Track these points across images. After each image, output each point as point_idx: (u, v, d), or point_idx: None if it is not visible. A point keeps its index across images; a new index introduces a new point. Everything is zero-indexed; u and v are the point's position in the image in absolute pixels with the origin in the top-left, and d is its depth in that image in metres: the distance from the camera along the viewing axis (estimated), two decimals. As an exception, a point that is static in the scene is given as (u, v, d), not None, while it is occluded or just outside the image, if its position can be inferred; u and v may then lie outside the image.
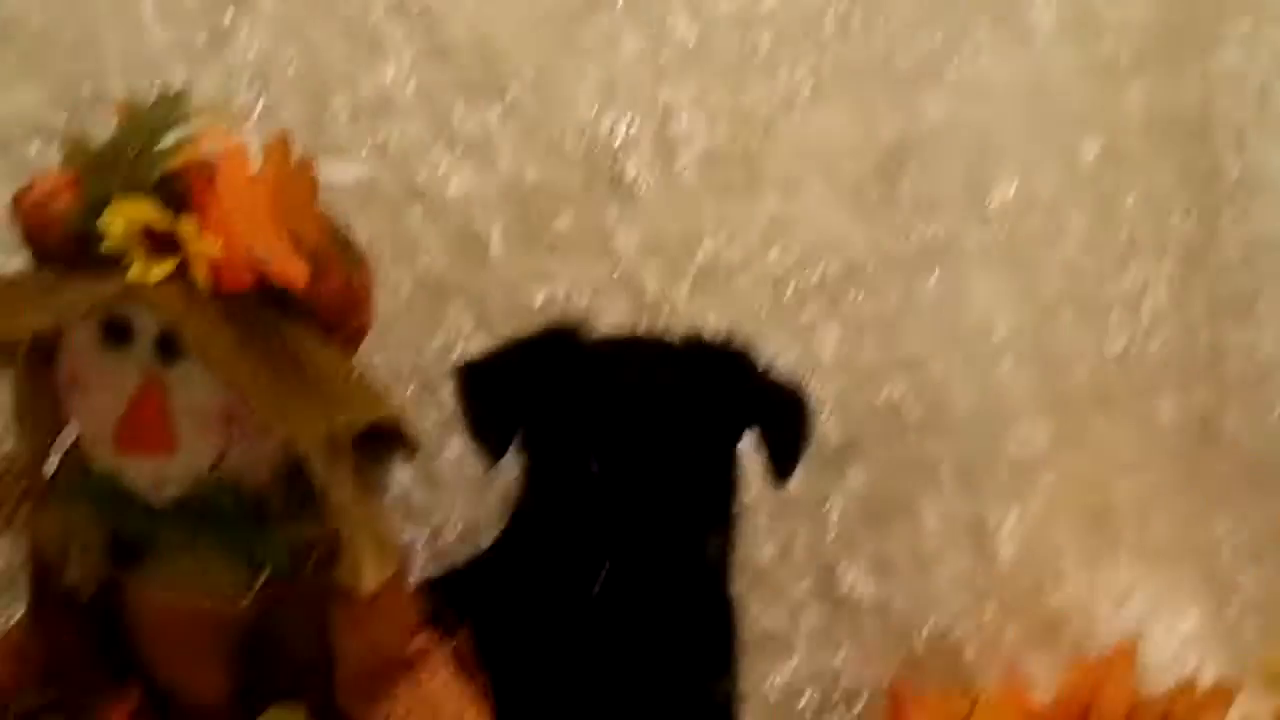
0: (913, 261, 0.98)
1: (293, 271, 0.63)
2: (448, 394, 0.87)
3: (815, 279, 0.97)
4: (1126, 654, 0.90)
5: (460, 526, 0.92)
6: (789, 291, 0.97)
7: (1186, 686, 0.89)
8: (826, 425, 0.95)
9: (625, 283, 0.95)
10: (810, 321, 0.96)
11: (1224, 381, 1.04)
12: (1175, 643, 1.00)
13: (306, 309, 0.65)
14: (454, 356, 0.91)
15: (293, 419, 0.62)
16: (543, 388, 0.75)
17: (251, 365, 0.62)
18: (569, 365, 0.75)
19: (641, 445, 0.73)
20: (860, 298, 0.97)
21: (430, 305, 0.90)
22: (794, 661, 0.96)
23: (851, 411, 0.96)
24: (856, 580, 0.97)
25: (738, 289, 0.96)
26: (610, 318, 0.93)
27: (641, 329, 0.91)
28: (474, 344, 0.92)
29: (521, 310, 0.92)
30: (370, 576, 0.68)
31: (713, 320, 0.92)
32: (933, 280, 0.98)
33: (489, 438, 0.76)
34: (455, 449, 0.89)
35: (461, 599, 0.76)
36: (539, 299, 0.94)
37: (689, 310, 0.95)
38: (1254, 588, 1.05)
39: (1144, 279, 1.02)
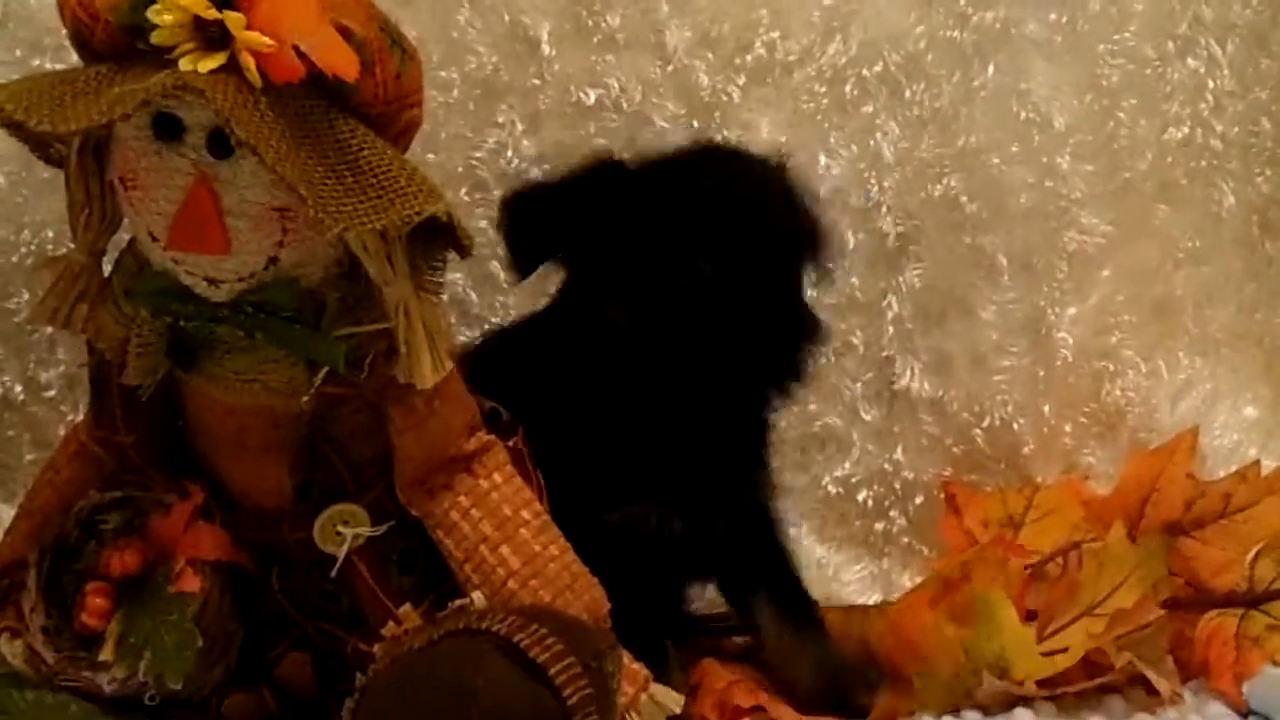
0: (971, 51, 0.96)
1: (342, 62, 0.62)
2: (499, 194, 0.88)
3: (874, 72, 0.96)
4: (1186, 444, 0.90)
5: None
6: (848, 87, 0.95)
7: (1246, 472, 0.89)
8: (884, 222, 0.94)
9: (678, 80, 0.93)
10: (869, 117, 0.95)
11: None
12: (1235, 433, 1.00)
13: (357, 102, 0.65)
14: (506, 157, 0.91)
15: (346, 214, 0.61)
16: (587, 218, 0.76)
17: (303, 160, 0.62)
18: (614, 196, 0.76)
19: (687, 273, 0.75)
20: (920, 90, 0.96)
21: (481, 106, 0.89)
22: (852, 458, 0.97)
23: (909, 207, 0.95)
24: (914, 377, 0.97)
25: (794, 85, 0.95)
26: (663, 116, 0.92)
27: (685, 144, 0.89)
28: (525, 145, 0.92)
29: (573, 110, 0.91)
30: (427, 374, 0.68)
31: (768, 119, 0.91)
32: (991, 70, 0.96)
33: (521, 263, 0.78)
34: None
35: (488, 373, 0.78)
36: (591, 98, 0.92)
37: (744, 107, 0.94)
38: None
39: (1206, 63, 1.00)
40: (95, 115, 0.61)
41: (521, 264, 0.78)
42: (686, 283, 0.75)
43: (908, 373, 0.97)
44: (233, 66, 0.62)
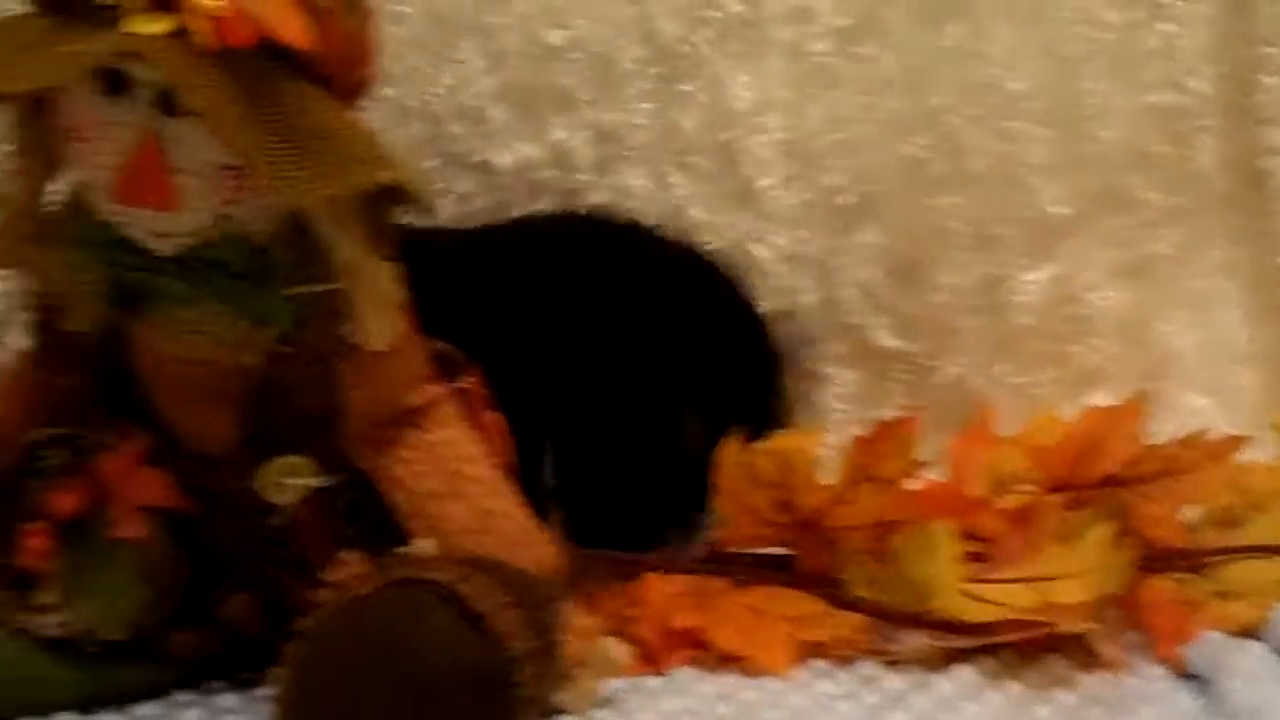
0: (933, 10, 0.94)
1: (294, 29, 0.60)
2: (455, 132, 0.86)
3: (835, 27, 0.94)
4: (1137, 404, 0.90)
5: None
6: (817, 44, 0.94)
7: (1193, 437, 0.89)
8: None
9: (645, 25, 0.92)
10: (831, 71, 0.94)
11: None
12: (1205, 399, 1.00)
13: (308, 64, 0.63)
14: (465, 95, 0.89)
15: (296, 183, 0.61)
16: None
17: (253, 127, 0.60)
18: None
19: None
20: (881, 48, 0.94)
21: (440, 41, 0.87)
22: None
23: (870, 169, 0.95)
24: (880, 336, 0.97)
25: (764, 42, 0.93)
26: (630, 59, 0.91)
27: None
28: (487, 83, 0.90)
29: (538, 50, 0.89)
30: (376, 334, 0.67)
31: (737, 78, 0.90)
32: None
33: None
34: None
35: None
36: (556, 39, 0.91)
37: (711, 60, 0.93)
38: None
39: (1180, 24, 0.98)
40: (40, 79, 0.60)
41: None
42: None
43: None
44: (183, 29, 0.60)
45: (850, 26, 0.95)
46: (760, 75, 0.95)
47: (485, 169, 0.95)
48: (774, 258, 0.95)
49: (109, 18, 0.61)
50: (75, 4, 0.62)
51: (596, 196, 0.96)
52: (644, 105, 0.95)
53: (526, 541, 0.73)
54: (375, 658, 0.61)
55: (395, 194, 0.65)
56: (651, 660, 0.77)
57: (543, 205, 0.96)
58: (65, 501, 0.70)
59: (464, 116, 0.94)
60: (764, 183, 0.95)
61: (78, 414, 0.72)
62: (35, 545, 0.69)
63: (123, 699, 0.71)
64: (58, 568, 0.69)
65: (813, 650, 0.79)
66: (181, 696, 0.72)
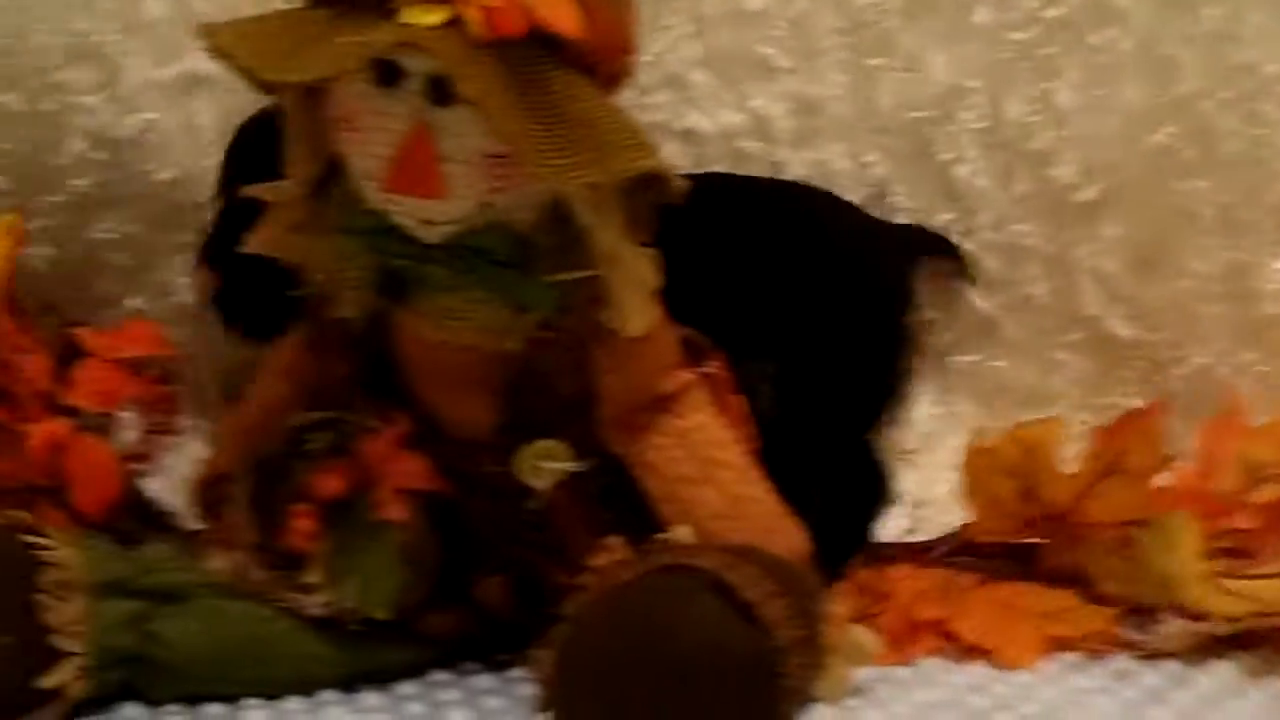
0: None
1: (565, 18, 0.61)
2: (659, 100, 0.89)
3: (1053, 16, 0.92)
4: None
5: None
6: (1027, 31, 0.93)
7: None
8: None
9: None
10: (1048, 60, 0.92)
11: None
12: None
13: (573, 53, 0.64)
14: (670, 62, 0.91)
15: (561, 169, 0.61)
16: None
17: (522, 115, 0.61)
18: None
19: None
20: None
21: (649, 6, 0.87)
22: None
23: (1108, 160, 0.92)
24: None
25: (961, 22, 0.92)
26: (823, 28, 0.92)
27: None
28: (690, 49, 0.91)
29: (739, 16, 0.90)
30: (635, 321, 0.68)
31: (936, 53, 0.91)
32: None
33: None
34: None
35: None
36: (756, 4, 0.91)
37: (908, 36, 0.92)
38: None
39: None
40: (322, 69, 0.61)
41: None
42: None
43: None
44: (456, 19, 0.62)
45: (1065, 16, 0.93)
46: (957, 57, 0.93)
47: (689, 136, 0.94)
48: (984, 249, 0.94)
49: (386, 9, 0.62)
50: (351, -2, 0.64)
51: (797, 169, 0.94)
52: (840, 77, 0.94)
53: (779, 528, 0.73)
54: (641, 644, 0.61)
55: (654, 181, 0.66)
56: (897, 650, 0.77)
57: (745, 171, 0.94)
58: (330, 484, 0.71)
59: (669, 84, 0.93)
60: (963, 171, 0.94)
61: (342, 398, 0.74)
62: (301, 526, 0.71)
63: (383, 677, 0.73)
64: (322, 549, 0.71)
65: (1060, 645, 0.79)
66: (438, 676, 0.74)
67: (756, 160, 0.94)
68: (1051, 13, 0.92)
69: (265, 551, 0.72)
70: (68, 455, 0.79)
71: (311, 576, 0.71)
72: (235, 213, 0.79)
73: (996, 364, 0.96)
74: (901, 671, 0.75)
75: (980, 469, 0.84)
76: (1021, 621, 0.79)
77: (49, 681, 0.66)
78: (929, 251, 0.92)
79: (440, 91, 0.64)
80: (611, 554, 0.68)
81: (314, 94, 0.68)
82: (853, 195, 0.93)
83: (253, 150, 0.85)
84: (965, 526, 0.85)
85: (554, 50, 0.63)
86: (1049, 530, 0.83)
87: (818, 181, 0.93)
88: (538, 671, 0.65)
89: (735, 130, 0.94)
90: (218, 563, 0.73)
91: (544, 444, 0.72)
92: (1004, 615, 0.80)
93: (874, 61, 0.93)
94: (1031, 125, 0.92)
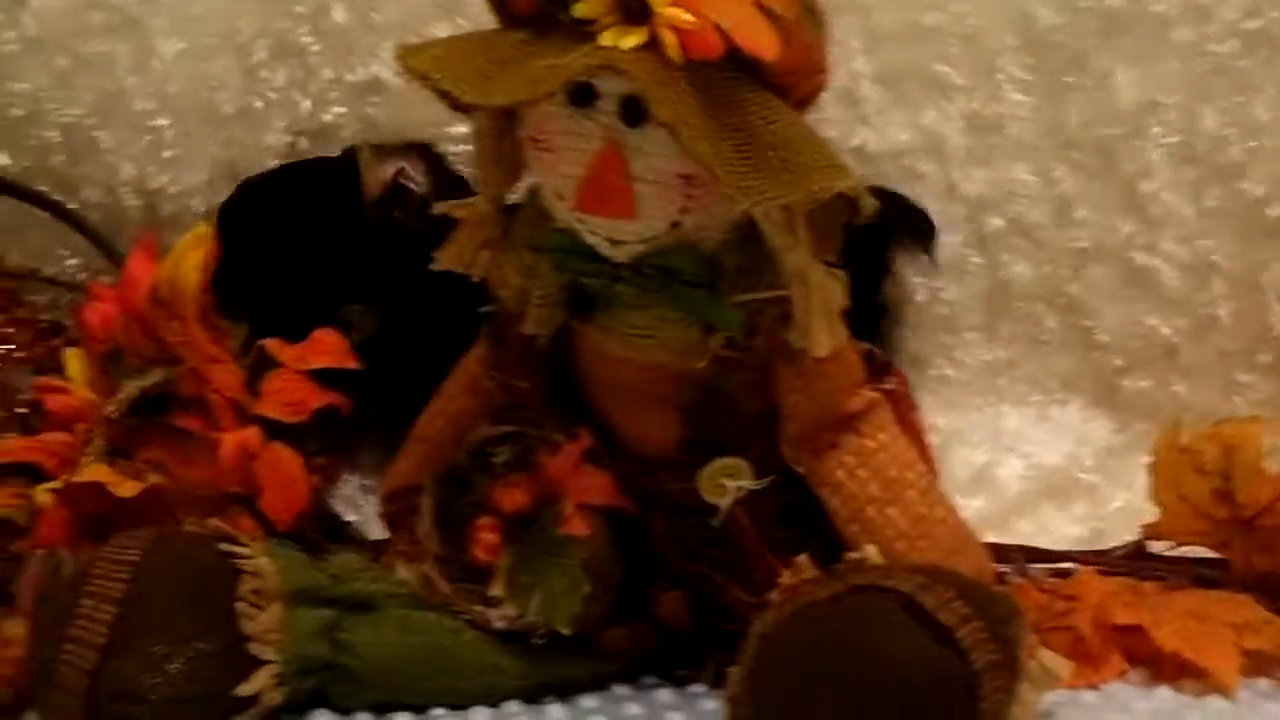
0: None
1: (764, 42, 0.61)
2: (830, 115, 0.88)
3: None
4: None
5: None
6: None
7: None
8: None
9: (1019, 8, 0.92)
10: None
11: None
12: None
13: (768, 74, 0.64)
14: (841, 76, 0.90)
15: (755, 190, 0.61)
16: None
17: (716, 136, 0.61)
18: None
19: None
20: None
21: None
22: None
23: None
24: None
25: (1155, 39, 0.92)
26: (999, 45, 0.91)
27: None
28: (862, 64, 0.91)
29: (913, 32, 0.90)
30: (822, 342, 0.68)
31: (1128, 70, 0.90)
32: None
33: None
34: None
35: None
36: (931, 20, 0.92)
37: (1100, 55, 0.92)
38: None
39: None
40: (521, 93, 0.62)
41: None
42: None
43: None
44: (651, 42, 0.62)
45: (1263, 28, 0.91)
46: (1151, 74, 0.92)
47: (861, 153, 0.95)
48: (1168, 266, 0.93)
49: (582, 31, 0.63)
50: (547, 18, 0.64)
51: (971, 186, 0.95)
52: (1020, 96, 0.94)
53: (963, 549, 0.73)
54: (837, 664, 0.61)
55: (845, 202, 0.66)
56: (1089, 659, 0.76)
57: (918, 191, 0.95)
58: (514, 498, 0.72)
59: (840, 99, 0.93)
60: (1150, 187, 0.93)
61: (526, 413, 0.75)
62: (485, 540, 0.72)
63: (566, 690, 0.74)
64: (505, 562, 0.72)
65: (1256, 660, 0.76)
66: (620, 690, 0.75)
67: (929, 179, 0.94)
68: (1250, 25, 0.91)
69: (449, 563, 0.73)
70: (258, 463, 0.81)
71: (495, 590, 0.72)
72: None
73: (1175, 388, 0.95)
74: (1089, 695, 0.74)
75: (1172, 465, 0.81)
76: (1217, 632, 0.77)
77: (246, 689, 0.68)
78: (903, 222, 0.93)
79: (633, 112, 0.64)
80: (800, 573, 0.68)
81: (506, 113, 0.69)
82: (1036, 212, 0.92)
83: (244, 212, 0.92)
84: (1148, 526, 0.83)
85: (749, 70, 0.63)
86: (1241, 536, 0.81)
87: (993, 200, 0.93)
88: (726, 688, 0.65)
89: (906, 148, 0.94)
90: (403, 573, 0.74)
91: (726, 461, 0.72)
92: (1199, 625, 0.78)
93: (1063, 79, 0.93)
94: (1225, 138, 0.91)
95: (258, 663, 0.68)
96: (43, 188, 0.96)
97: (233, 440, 0.81)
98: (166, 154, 0.95)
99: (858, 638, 0.61)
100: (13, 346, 0.89)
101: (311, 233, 0.92)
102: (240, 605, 0.69)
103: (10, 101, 0.95)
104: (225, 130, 0.95)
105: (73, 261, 0.97)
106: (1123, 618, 0.77)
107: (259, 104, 0.95)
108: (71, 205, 0.96)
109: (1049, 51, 0.93)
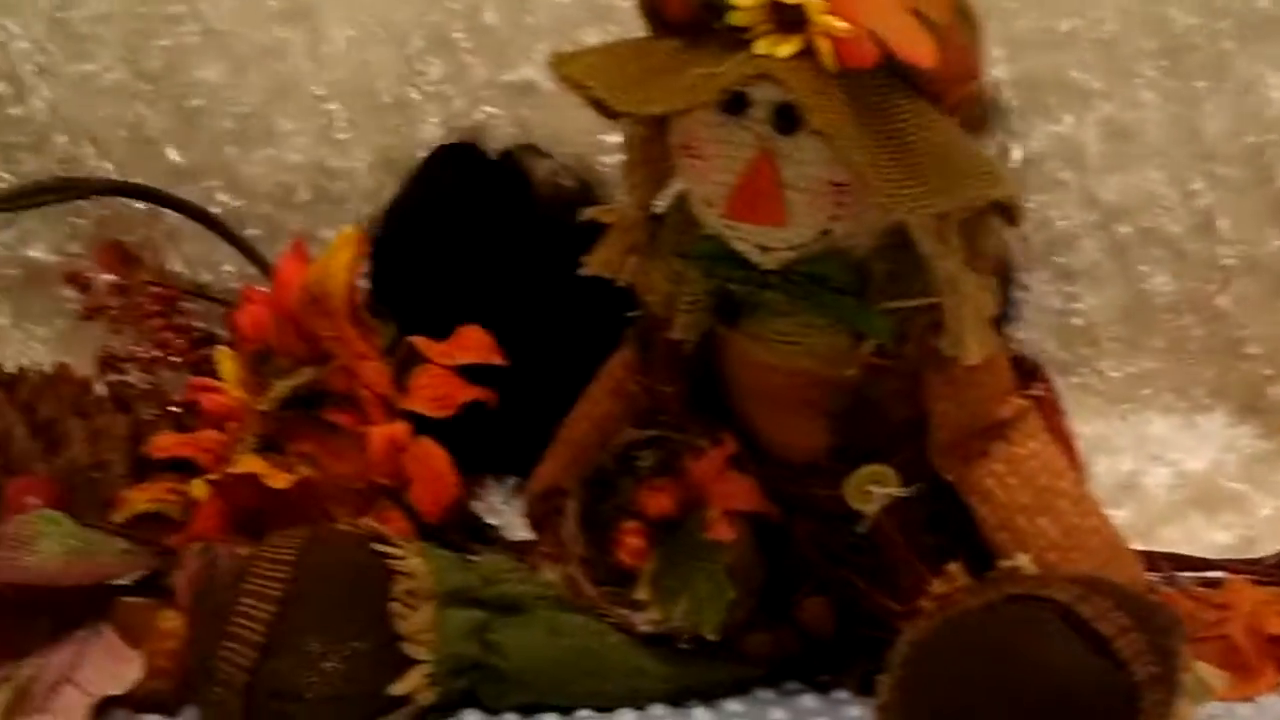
0: None
1: (921, 50, 0.61)
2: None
3: None
4: None
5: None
6: None
7: None
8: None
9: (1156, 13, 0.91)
10: None
11: None
12: None
13: (922, 81, 0.64)
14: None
15: (909, 198, 0.61)
16: None
17: (870, 145, 0.61)
18: None
19: None
20: None
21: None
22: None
23: None
24: None
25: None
26: (1133, 49, 0.90)
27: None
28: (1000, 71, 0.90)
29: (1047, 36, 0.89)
30: (974, 350, 0.67)
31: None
32: None
33: None
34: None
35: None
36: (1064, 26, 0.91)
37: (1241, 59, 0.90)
38: None
39: None
40: (676, 102, 0.62)
41: None
42: None
43: None
44: (806, 49, 0.62)
45: None
46: None
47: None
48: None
49: (735, 40, 0.63)
50: (700, 26, 0.64)
51: (1109, 194, 0.93)
52: (1157, 100, 0.92)
53: (1117, 559, 0.72)
54: (993, 673, 0.61)
55: (999, 209, 0.65)
56: (1243, 670, 0.74)
57: (1053, 198, 0.94)
58: (659, 502, 0.73)
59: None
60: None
61: (670, 418, 0.75)
62: (631, 543, 0.73)
63: (711, 694, 0.74)
64: (651, 566, 0.73)
65: None
66: (763, 694, 0.75)
67: (1068, 185, 0.93)
68: None
69: (594, 566, 0.74)
70: (406, 456, 0.82)
71: (640, 593, 0.73)
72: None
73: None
74: (1244, 709, 0.73)
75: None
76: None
77: (399, 688, 0.69)
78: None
79: (785, 120, 0.64)
80: (952, 581, 0.67)
81: (657, 121, 0.69)
82: (1172, 222, 0.91)
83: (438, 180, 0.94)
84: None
85: (902, 76, 0.63)
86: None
87: (1135, 206, 0.91)
88: (876, 695, 0.65)
89: (1044, 154, 0.93)
90: (548, 575, 0.75)
91: (873, 469, 0.72)
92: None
93: (1199, 85, 0.91)
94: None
95: (410, 662, 0.69)
96: (213, 182, 0.98)
97: (382, 434, 0.82)
98: (340, 136, 0.97)
99: (1014, 647, 0.61)
100: (169, 350, 0.92)
101: (478, 230, 0.93)
102: (394, 605, 0.70)
103: (187, 92, 0.97)
104: (385, 119, 0.97)
105: (228, 268, 1.00)
106: (1277, 627, 0.76)
107: (415, 95, 0.96)
108: (238, 202, 0.98)
109: (1187, 55, 0.92)
